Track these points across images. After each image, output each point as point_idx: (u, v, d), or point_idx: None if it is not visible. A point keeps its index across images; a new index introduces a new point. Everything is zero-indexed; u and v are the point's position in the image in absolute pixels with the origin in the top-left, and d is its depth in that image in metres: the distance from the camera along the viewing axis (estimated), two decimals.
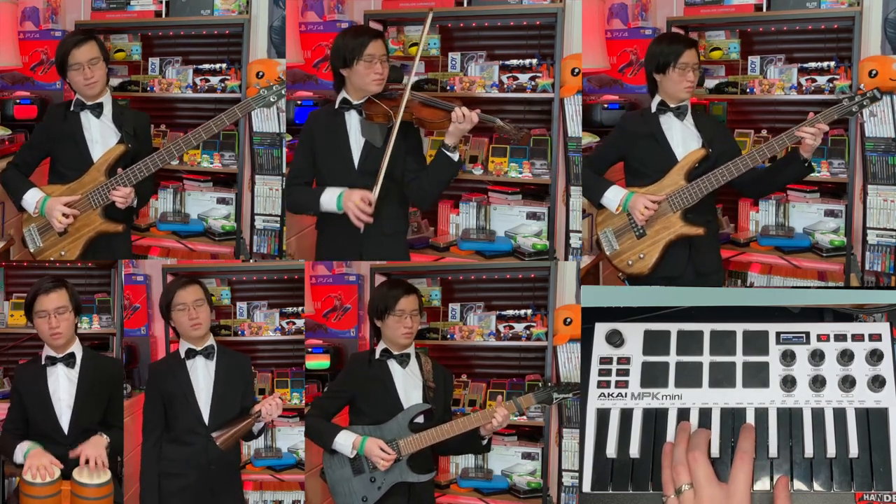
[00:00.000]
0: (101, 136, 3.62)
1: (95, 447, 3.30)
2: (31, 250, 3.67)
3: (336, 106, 3.50)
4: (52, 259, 3.65)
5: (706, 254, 3.59)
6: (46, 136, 3.68)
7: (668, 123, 3.56)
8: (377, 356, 3.51)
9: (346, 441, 3.38)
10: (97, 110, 3.62)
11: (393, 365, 3.49)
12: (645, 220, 3.50)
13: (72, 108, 3.63)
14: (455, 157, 3.40)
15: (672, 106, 3.54)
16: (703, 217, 3.53)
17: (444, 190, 3.62)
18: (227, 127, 3.98)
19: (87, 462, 3.25)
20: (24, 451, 3.29)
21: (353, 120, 3.48)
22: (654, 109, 3.57)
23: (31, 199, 3.59)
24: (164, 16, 4.19)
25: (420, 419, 3.43)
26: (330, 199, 3.44)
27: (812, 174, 3.60)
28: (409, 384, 3.49)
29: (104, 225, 3.60)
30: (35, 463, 3.20)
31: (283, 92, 3.72)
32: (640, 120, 3.62)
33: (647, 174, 3.55)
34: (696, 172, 3.48)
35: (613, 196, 3.56)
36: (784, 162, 3.50)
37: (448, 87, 4.10)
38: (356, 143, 3.48)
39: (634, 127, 3.62)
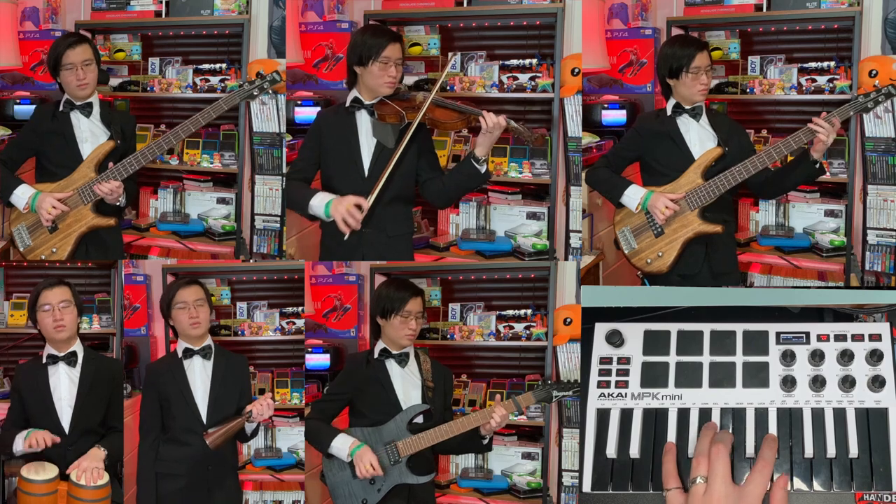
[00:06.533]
0: (90, 134, 3.64)
1: (92, 461, 3.31)
2: (21, 249, 3.65)
3: (347, 105, 3.46)
4: (44, 257, 3.62)
5: (722, 254, 3.58)
6: (34, 135, 3.67)
7: (685, 124, 3.55)
8: (376, 356, 3.50)
9: (342, 446, 3.37)
10: (87, 110, 3.64)
11: (391, 365, 3.48)
12: (665, 219, 3.50)
13: (61, 108, 3.64)
14: (483, 168, 3.36)
15: (687, 108, 3.54)
16: (720, 215, 3.53)
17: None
18: (224, 125, 3.97)
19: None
20: (24, 435, 3.31)
21: (363, 120, 3.44)
22: (669, 112, 3.57)
23: (23, 194, 3.57)
24: (164, 16, 4.19)
25: (419, 419, 3.42)
26: (319, 203, 3.36)
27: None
28: (407, 384, 3.48)
29: (96, 220, 3.60)
30: (32, 441, 3.25)
31: (277, 78, 3.69)
32: (657, 120, 3.62)
33: (664, 173, 3.55)
34: (713, 171, 3.48)
35: (633, 194, 3.55)
36: (794, 163, 3.49)
37: (448, 87, 4.09)
38: (367, 144, 3.43)
39: (651, 127, 3.62)
